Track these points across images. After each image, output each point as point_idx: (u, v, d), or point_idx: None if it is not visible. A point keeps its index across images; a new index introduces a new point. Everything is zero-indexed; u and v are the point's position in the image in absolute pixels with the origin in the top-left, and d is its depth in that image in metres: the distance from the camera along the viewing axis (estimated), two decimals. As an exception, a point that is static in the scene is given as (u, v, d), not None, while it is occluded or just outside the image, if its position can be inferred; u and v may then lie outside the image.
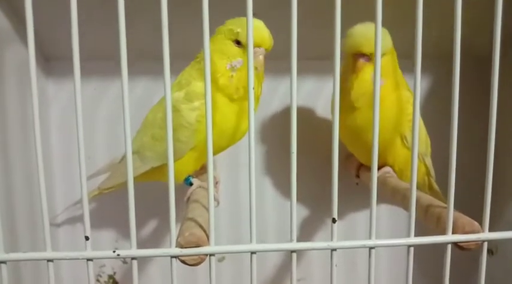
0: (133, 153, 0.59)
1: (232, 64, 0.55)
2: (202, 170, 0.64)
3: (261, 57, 0.55)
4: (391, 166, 0.65)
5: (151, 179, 0.61)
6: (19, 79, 0.62)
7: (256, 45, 0.54)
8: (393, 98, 0.60)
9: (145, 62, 0.63)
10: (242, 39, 0.54)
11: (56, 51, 0.70)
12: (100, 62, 0.70)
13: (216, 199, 0.62)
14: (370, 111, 0.58)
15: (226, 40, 0.55)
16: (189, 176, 0.60)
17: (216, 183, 0.67)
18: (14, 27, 0.61)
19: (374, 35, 0.39)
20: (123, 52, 0.37)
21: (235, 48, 0.55)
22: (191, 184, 0.59)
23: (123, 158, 0.66)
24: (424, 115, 0.63)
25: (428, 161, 0.68)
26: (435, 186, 0.70)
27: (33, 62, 0.37)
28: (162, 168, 0.58)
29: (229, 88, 0.55)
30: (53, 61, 0.73)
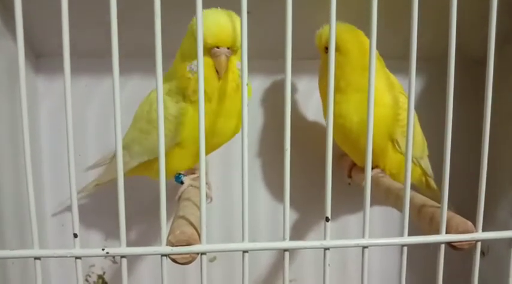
0: (123, 148, 0.58)
1: (191, 66, 0.51)
2: (195, 171, 0.63)
3: (223, 59, 0.49)
4: (382, 170, 0.65)
5: (140, 174, 0.60)
6: (9, 75, 0.62)
7: (215, 45, 0.48)
8: (381, 100, 0.60)
9: (137, 59, 0.62)
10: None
11: (46, 47, 0.70)
12: (91, 59, 0.70)
13: (208, 196, 0.61)
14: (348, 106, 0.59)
15: (191, 38, 0.50)
16: (180, 174, 0.59)
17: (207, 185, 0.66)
18: (4, 23, 0.61)
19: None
20: (115, 49, 0.36)
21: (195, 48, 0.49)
22: (182, 182, 0.59)
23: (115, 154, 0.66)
24: (416, 116, 0.63)
25: (425, 162, 0.68)
26: (433, 185, 0.70)
27: (23, 58, 0.36)
28: (149, 164, 0.57)
29: (187, 91, 0.52)
30: (43, 58, 0.72)
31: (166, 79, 0.55)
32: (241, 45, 0.38)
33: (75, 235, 0.39)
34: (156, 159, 0.53)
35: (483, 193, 0.43)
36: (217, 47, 0.49)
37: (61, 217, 0.76)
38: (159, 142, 0.38)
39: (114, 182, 0.61)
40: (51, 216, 0.76)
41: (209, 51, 0.49)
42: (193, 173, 0.62)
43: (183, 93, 0.53)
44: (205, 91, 0.45)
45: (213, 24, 0.48)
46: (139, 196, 0.71)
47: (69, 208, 0.73)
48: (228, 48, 0.49)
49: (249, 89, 0.58)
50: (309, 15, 0.59)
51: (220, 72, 0.50)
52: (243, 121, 0.39)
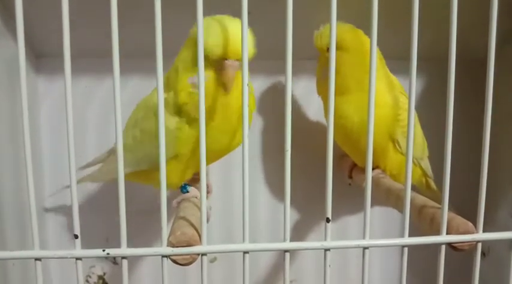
0: (115, 152, 0.57)
1: (193, 79, 0.46)
2: (196, 176, 0.62)
3: (231, 72, 0.45)
4: (383, 171, 0.65)
5: (137, 181, 0.58)
6: (9, 75, 0.62)
7: (223, 57, 0.45)
8: (383, 101, 0.60)
9: (137, 59, 0.62)
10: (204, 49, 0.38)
11: (47, 47, 0.70)
12: (91, 59, 0.70)
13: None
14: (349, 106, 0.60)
15: (193, 47, 0.44)
16: (186, 184, 0.56)
17: (208, 193, 0.64)
18: (4, 23, 0.60)
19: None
20: (115, 49, 0.36)
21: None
22: (187, 191, 0.56)
23: (110, 154, 0.65)
24: (417, 116, 0.63)
25: (425, 163, 0.68)
26: (433, 186, 0.70)
27: (23, 58, 0.36)
28: (145, 174, 0.54)
29: (188, 106, 0.48)
30: (43, 58, 0.72)
31: (163, 85, 0.54)
32: (242, 46, 0.37)
33: (76, 236, 0.39)
34: (152, 170, 0.52)
35: (484, 194, 0.43)
36: (226, 59, 0.45)
37: (61, 218, 0.76)
38: (160, 143, 0.38)
39: (110, 182, 0.61)
40: (52, 217, 0.76)
41: (215, 63, 0.46)
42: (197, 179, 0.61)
43: (181, 108, 0.49)
44: (207, 108, 0.43)
45: (221, 33, 0.44)
46: (140, 196, 0.71)
47: (69, 209, 0.73)
48: (236, 61, 0.45)
49: (252, 100, 0.56)
50: (309, 15, 0.59)
51: (227, 87, 0.46)
52: (243, 122, 0.38)
